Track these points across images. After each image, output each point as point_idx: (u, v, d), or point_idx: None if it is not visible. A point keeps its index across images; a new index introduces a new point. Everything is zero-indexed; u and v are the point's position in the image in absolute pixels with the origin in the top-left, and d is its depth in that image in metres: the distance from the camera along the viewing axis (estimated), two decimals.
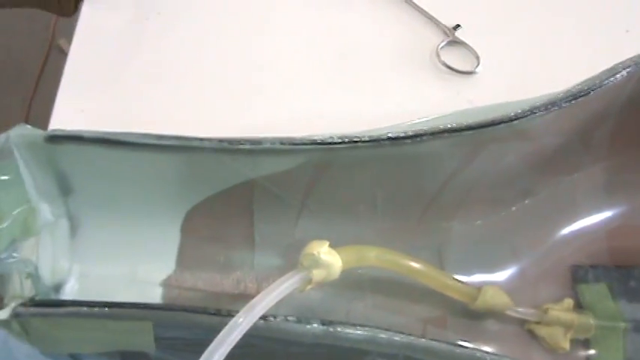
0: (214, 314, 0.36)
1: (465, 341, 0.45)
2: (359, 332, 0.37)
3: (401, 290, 0.45)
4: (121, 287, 0.45)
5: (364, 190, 0.45)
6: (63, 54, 1.13)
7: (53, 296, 0.44)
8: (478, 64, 0.54)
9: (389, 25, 0.58)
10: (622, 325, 0.45)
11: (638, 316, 0.46)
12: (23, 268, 0.43)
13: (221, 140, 0.40)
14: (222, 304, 0.45)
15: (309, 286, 0.39)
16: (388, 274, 0.44)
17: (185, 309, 0.37)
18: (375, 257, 0.42)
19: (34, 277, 0.44)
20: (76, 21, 0.58)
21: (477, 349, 0.38)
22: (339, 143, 0.40)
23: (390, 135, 0.40)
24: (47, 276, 0.44)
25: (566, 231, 0.47)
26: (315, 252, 0.39)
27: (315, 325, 0.36)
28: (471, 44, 0.56)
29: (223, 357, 0.34)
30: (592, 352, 0.45)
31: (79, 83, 0.54)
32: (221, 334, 0.35)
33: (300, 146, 0.40)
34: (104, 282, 0.45)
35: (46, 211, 0.44)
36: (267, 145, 0.40)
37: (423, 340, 0.37)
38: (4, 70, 1.30)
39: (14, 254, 0.43)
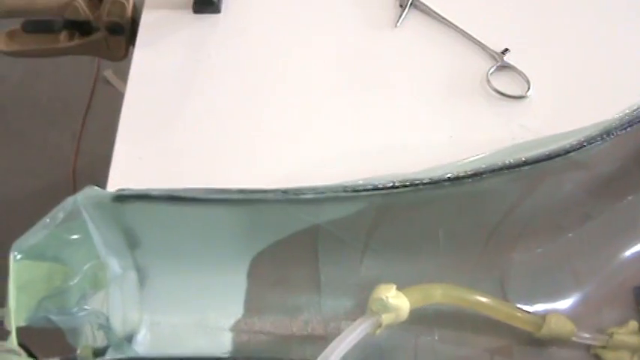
0: None
1: None
2: None
3: (466, 322, 0.46)
4: (192, 334, 0.46)
5: (425, 228, 0.45)
6: (109, 85, 1.15)
7: (126, 346, 0.45)
8: (529, 88, 0.54)
9: (437, 53, 0.58)
10: None
11: None
12: (95, 320, 0.45)
13: (284, 191, 0.40)
14: (291, 347, 0.46)
15: (378, 330, 0.40)
16: (452, 307, 0.44)
17: None
18: (440, 295, 0.42)
19: (106, 328, 0.45)
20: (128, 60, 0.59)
21: None
22: (400, 187, 0.40)
23: (449, 176, 0.40)
24: (118, 326, 0.45)
25: (627, 253, 0.47)
26: (383, 297, 0.39)
27: None
28: (520, 68, 0.56)
29: None
30: None
31: (135, 130, 0.55)
32: None
33: (362, 192, 0.40)
34: (175, 330, 0.46)
35: (114, 264, 0.45)
36: (330, 194, 0.40)
37: None
38: (52, 106, 1.32)
39: (85, 307, 0.44)
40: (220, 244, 0.45)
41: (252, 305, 0.46)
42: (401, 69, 0.58)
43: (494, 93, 0.55)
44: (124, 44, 0.63)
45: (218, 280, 0.46)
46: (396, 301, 0.39)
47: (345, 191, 0.40)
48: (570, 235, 0.47)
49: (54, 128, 1.27)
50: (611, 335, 0.45)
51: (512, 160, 0.41)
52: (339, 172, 0.46)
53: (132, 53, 0.60)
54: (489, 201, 0.43)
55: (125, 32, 0.62)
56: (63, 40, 0.64)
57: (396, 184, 0.40)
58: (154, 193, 0.41)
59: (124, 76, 0.59)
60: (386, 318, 0.39)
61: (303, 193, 0.40)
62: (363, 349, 0.43)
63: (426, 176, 0.41)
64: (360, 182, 0.41)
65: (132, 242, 0.45)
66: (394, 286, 0.40)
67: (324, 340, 0.46)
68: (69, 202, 0.41)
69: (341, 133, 0.54)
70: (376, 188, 0.40)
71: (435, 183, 0.40)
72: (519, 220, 0.45)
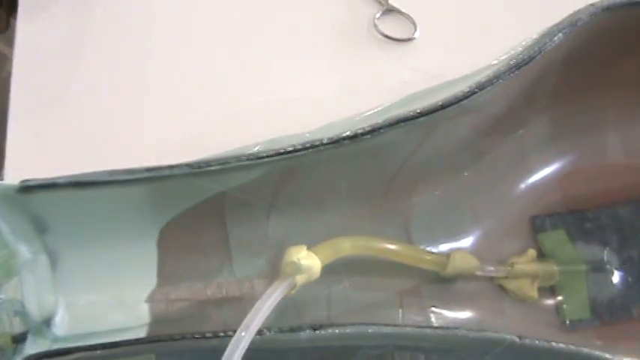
0: (214, 337, 0.37)
1: (440, 306, 0.47)
2: (348, 330, 0.38)
3: (375, 268, 0.46)
4: (109, 310, 0.45)
5: (328, 184, 0.45)
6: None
7: (44, 330, 0.45)
8: (416, 30, 0.55)
9: (321, 3, 0.58)
10: (582, 267, 0.48)
11: (595, 257, 0.48)
12: (10, 307, 0.44)
13: (189, 165, 0.40)
14: (208, 311, 0.46)
15: (293, 291, 0.40)
16: (361, 256, 0.45)
17: (184, 336, 0.37)
18: (349, 247, 0.43)
19: (22, 313, 0.44)
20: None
21: (460, 329, 0.39)
22: (302, 149, 0.40)
23: (348, 134, 0.41)
24: (34, 311, 0.44)
25: (521, 186, 0.49)
26: (295, 259, 0.39)
27: (307, 331, 0.37)
28: (406, 11, 0.56)
29: None
30: (559, 297, 0.48)
31: (27, 108, 0.53)
32: (225, 355, 0.35)
33: (265, 159, 0.40)
34: (92, 308, 0.45)
35: (24, 251, 0.44)
36: (234, 164, 0.40)
37: (409, 328, 0.38)
38: None
39: (0, 296, 0.43)
40: (128, 219, 0.44)
41: (165, 275, 0.46)
42: (284, 22, 0.57)
43: (382, 38, 0.55)
44: (4, 16, 0.60)
45: (130, 253, 0.45)
46: (308, 261, 0.40)
47: (249, 159, 0.40)
48: (466, 174, 0.48)
49: None
50: (512, 265, 0.47)
51: (407, 113, 0.41)
52: (234, 130, 0.46)
53: (14, 25, 0.57)
54: (387, 152, 0.44)
55: (4, 3, 0.59)
56: None
57: (297, 147, 0.40)
58: (60, 181, 0.39)
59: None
60: (299, 279, 0.39)
61: (209, 165, 0.40)
62: (278, 306, 0.44)
63: (325, 136, 0.41)
64: (260, 149, 0.41)
65: (40, 228, 0.43)
66: (304, 247, 0.40)
67: (240, 301, 0.46)
68: None
69: (233, 93, 0.53)
70: (278, 153, 0.40)
71: (335, 142, 0.40)
72: (417, 166, 0.46)
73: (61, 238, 0.44)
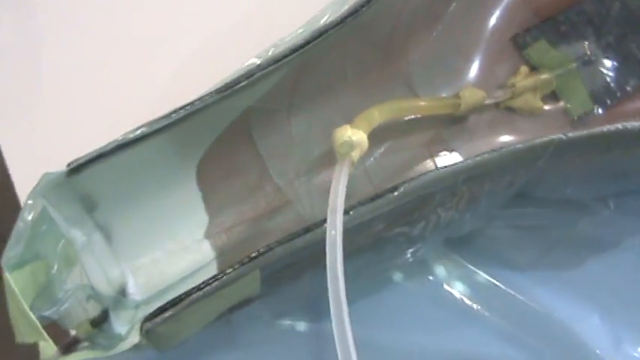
0: (305, 232, 0.38)
1: (464, 143, 0.49)
2: (424, 178, 0.40)
3: (394, 132, 0.48)
4: (175, 260, 0.46)
5: (335, 69, 0.46)
6: None
7: (123, 301, 0.45)
8: None
9: None
10: (572, 65, 0.51)
11: (579, 53, 0.51)
12: (82, 294, 0.44)
13: (219, 90, 0.40)
14: (265, 225, 0.47)
15: (352, 168, 0.42)
16: (378, 126, 0.47)
17: (280, 242, 0.38)
18: (378, 115, 0.44)
19: (95, 296, 0.44)
20: None
21: (509, 146, 0.41)
22: (314, 39, 0.41)
23: (350, 11, 0.42)
24: (105, 288, 0.44)
25: (495, 13, 0.51)
26: (346, 137, 0.41)
27: (386, 196, 0.39)
28: None
29: (342, 261, 0.37)
30: (562, 100, 0.51)
31: None
32: (328, 245, 0.37)
33: (285, 59, 0.41)
34: (159, 264, 0.46)
35: (78, 235, 0.44)
36: (259, 73, 0.41)
37: (470, 160, 0.40)
38: None
39: (67, 288, 0.43)
40: (165, 168, 0.44)
41: (213, 207, 0.47)
42: None
43: None
44: None
45: (175, 200, 0.46)
46: (357, 136, 0.41)
47: (271, 64, 0.41)
48: (445, 19, 0.50)
49: None
50: (512, 86, 0.50)
51: None
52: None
53: None
54: (380, 17, 0.45)
55: None
56: None
57: (309, 39, 0.41)
58: (105, 149, 0.39)
59: None
60: (355, 154, 0.41)
61: (237, 83, 0.40)
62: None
63: (312, 28, 0.42)
64: (279, 51, 0.42)
65: (89, 206, 0.43)
66: (348, 126, 0.42)
67: (289, 205, 0.47)
68: (31, 198, 0.39)
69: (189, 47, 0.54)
70: (295, 49, 0.41)
71: (340, 23, 0.41)
72: (405, 22, 0.47)
73: (109, 211, 0.44)
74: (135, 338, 0.37)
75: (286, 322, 0.46)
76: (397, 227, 0.41)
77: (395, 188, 0.39)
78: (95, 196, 0.43)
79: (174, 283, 0.45)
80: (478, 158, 0.40)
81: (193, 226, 0.46)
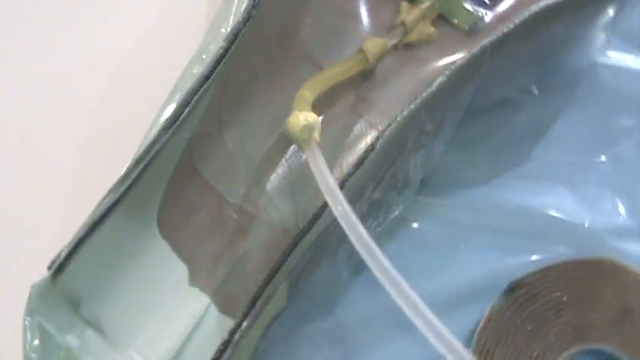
0: (310, 225, 0.38)
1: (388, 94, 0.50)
2: (395, 126, 0.39)
3: (319, 110, 0.47)
4: (175, 320, 0.44)
5: (245, 71, 0.45)
6: None
7: None
8: None
9: None
10: None
11: None
12: None
13: (166, 127, 0.39)
14: (246, 246, 0.45)
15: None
16: None
17: (294, 240, 0.37)
18: (309, 93, 0.43)
19: None
20: None
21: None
22: (229, 44, 0.40)
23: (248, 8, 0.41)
24: None
25: None
26: (303, 122, 0.40)
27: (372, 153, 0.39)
28: None
29: (363, 228, 0.36)
30: (450, 18, 0.52)
31: None
32: (343, 221, 0.36)
33: (212, 76, 0.40)
34: (160, 333, 0.44)
35: (72, 340, 0.41)
36: (195, 99, 0.39)
37: (418, 99, 0.40)
38: None
39: None
40: (129, 237, 0.43)
41: (186, 253, 0.45)
42: None
43: None
44: None
45: (148, 265, 0.44)
46: (310, 117, 0.40)
47: (201, 83, 0.39)
48: None
49: None
50: (402, 24, 0.50)
51: None
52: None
53: None
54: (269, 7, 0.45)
55: None
56: None
57: (225, 45, 0.40)
58: (80, 234, 0.37)
59: None
60: (316, 135, 0.40)
61: (181, 113, 0.38)
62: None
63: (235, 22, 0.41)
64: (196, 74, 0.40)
65: (74, 305, 0.40)
66: (297, 112, 0.40)
67: (258, 218, 0.46)
68: (28, 317, 0.36)
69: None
70: (217, 61, 0.40)
71: (247, 20, 0.40)
72: (287, 3, 0.47)
73: (93, 302, 0.42)
74: None
75: (309, 325, 0.45)
76: (382, 186, 0.41)
77: (372, 147, 0.38)
78: (77, 292, 0.40)
79: (184, 342, 0.43)
80: (433, 86, 0.40)
81: (177, 281, 0.44)
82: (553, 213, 0.48)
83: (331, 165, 0.46)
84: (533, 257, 0.47)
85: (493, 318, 0.43)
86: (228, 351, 0.35)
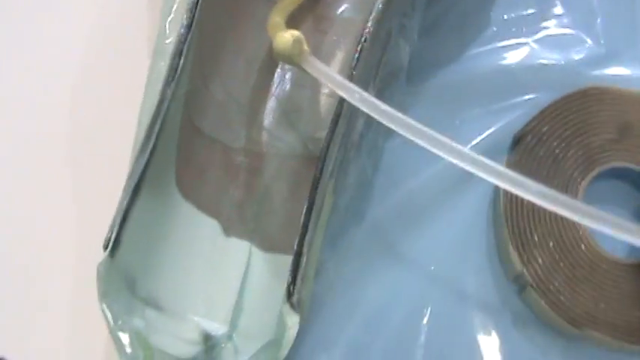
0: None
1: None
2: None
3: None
4: (222, 274, 0.44)
5: (214, 20, 0.45)
6: None
7: (216, 345, 0.42)
8: None
9: None
10: None
11: None
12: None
13: (167, 82, 0.38)
14: (262, 183, 0.46)
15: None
16: None
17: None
18: (278, 17, 0.44)
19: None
20: None
21: None
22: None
23: None
24: (192, 349, 0.41)
25: None
26: (290, 37, 0.40)
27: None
28: None
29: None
30: None
31: None
32: (361, 103, 0.36)
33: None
34: (215, 291, 0.43)
35: (138, 322, 0.40)
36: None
37: None
38: None
39: None
40: (159, 204, 0.42)
41: (211, 208, 0.45)
42: None
43: None
44: None
45: (183, 229, 0.44)
46: (294, 32, 0.40)
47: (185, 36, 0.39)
48: None
49: None
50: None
51: None
52: None
53: None
54: None
55: None
56: None
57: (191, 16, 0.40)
58: (124, 203, 0.36)
59: None
60: (306, 48, 0.40)
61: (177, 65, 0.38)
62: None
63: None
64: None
65: (130, 285, 0.40)
66: (279, 32, 0.40)
67: (265, 154, 0.46)
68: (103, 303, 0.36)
69: None
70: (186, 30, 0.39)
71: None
72: None
73: (146, 279, 0.42)
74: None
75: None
76: (379, 77, 0.42)
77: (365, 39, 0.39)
78: (131, 270, 0.40)
79: (238, 293, 0.43)
80: None
81: (212, 237, 0.44)
82: (529, 63, 0.50)
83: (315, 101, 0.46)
84: (526, 108, 0.48)
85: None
86: (303, 260, 0.35)
